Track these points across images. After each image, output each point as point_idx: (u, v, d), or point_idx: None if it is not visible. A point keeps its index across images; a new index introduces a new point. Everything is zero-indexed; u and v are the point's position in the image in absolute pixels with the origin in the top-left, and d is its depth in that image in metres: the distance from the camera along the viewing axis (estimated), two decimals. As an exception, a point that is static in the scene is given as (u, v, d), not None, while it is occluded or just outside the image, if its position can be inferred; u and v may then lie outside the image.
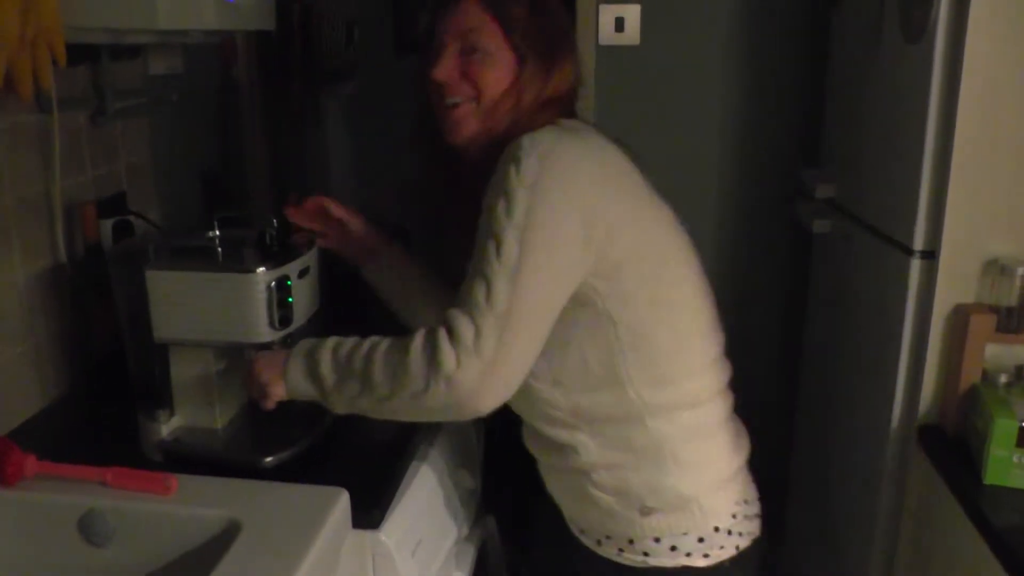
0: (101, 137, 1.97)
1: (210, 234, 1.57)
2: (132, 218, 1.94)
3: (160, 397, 1.59)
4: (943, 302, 1.81)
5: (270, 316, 1.46)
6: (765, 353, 2.98)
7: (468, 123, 1.47)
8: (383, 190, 2.74)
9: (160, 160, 2.21)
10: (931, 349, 1.83)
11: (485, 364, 1.26)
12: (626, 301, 1.38)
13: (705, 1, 2.75)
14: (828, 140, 2.60)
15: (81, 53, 1.81)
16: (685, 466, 1.44)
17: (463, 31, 1.44)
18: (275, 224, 1.56)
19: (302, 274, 1.53)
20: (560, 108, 1.48)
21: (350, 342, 1.39)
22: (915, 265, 1.85)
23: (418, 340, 1.30)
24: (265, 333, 1.47)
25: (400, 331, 1.38)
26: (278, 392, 1.43)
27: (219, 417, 1.62)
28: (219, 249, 1.50)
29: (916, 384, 1.87)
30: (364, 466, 1.57)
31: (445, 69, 1.45)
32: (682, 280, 1.45)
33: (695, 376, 1.46)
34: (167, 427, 1.59)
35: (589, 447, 1.45)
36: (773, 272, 2.92)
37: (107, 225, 1.87)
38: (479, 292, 1.27)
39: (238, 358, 1.63)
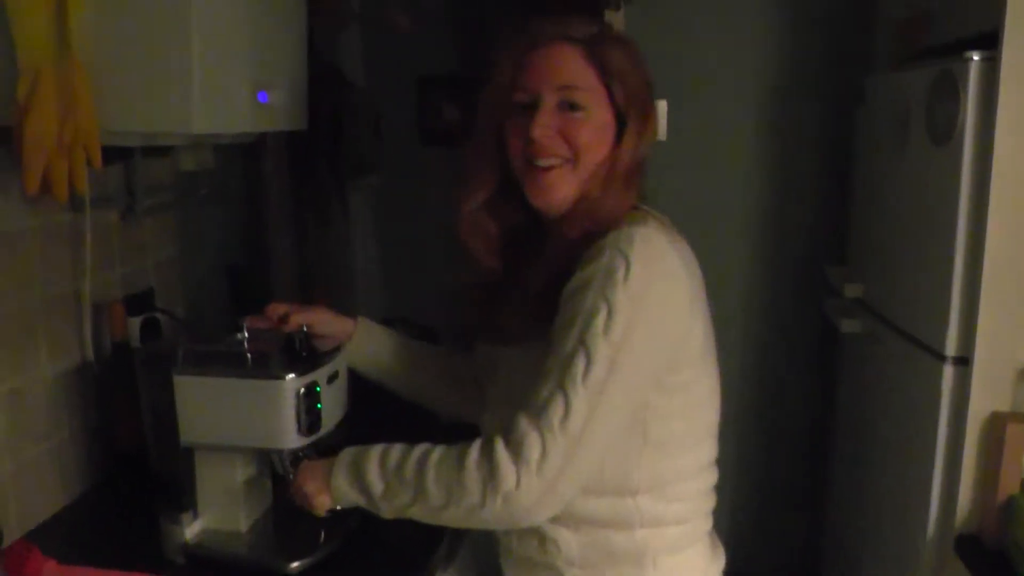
0: (130, 234, 1.97)
1: (238, 336, 1.56)
2: (159, 315, 1.94)
3: (184, 500, 1.57)
4: (978, 410, 1.78)
5: (298, 422, 1.45)
6: (792, 454, 2.93)
7: (560, 187, 1.36)
8: (410, 284, 2.75)
9: (187, 255, 2.21)
10: (967, 457, 1.79)
11: (546, 484, 1.21)
12: (668, 415, 1.34)
13: (731, 98, 2.76)
14: (855, 238, 2.60)
15: (114, 153, 1.82)
16: (662, 574, 1.39)
17: (563, 86, 1.33)
18: (304, 329, 1.55)
19: (331, 379, 1.52)
20: (641, 177, 1.41)
21: (398, 450, 1.34)
22: (948, 372, 1.83)
23: (474, 454, 1.26)
24: (293, 439, 1.45)
25: (428, 425, 1.34)
26: (324, 502, 1.41)
27: (244, 520, 1.60)
28: (248, 355, 1.49)
29: (952, 493, 1.84)
30: (390, 571, 1.55)
31: (543, 127, 1.33)
32: (710, 387, 1.41)
33: (692, 479, 1.41)
34: (190, 530, 1.57)
35: (571, 544, 1.38)
36: (801, 370, 2.89)
37: (135, 323, 1.87)
38: (555, 410, 1.21)
39: (265, 462, 1.62)
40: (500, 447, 1.23)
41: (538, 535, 1.40)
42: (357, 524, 1.60)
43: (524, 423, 1.23)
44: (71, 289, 1.79)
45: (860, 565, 2.40)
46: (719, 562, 1.49)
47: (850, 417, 2.58)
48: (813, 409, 2.90)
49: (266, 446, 1.48)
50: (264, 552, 1.55)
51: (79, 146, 1.46)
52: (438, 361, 1.73)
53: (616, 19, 2.22)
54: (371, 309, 1.72)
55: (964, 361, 1.80)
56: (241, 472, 1.57)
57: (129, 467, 1.80)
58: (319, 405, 1.47)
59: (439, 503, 1.28)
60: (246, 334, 1.55)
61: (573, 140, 1.34)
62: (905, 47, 2.31)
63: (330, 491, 1.39)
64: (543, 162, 1.35)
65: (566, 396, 1.21)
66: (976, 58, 1.76)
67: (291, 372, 1.44)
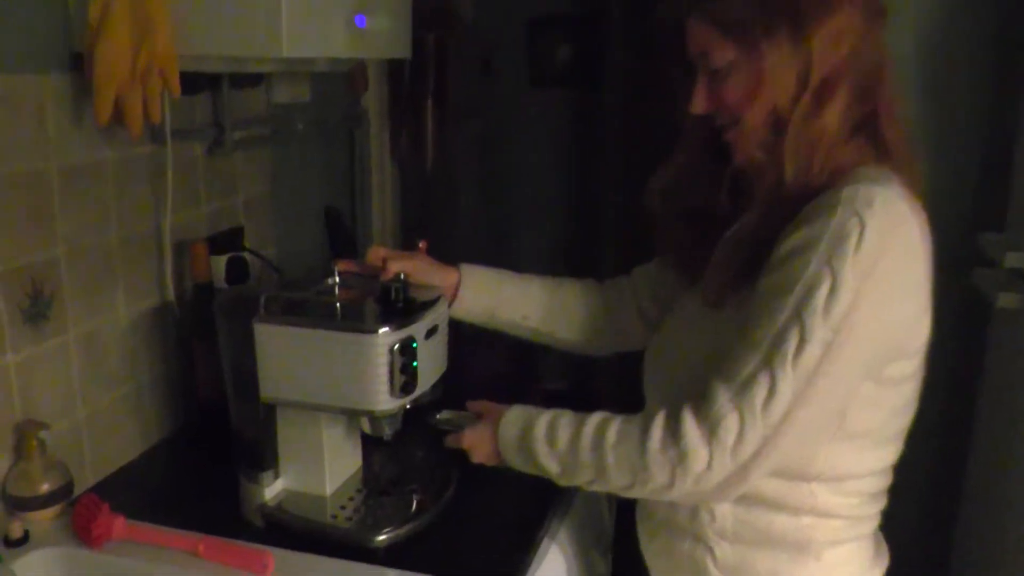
0: (218, 169, 1.85)
1: (329, 281, 1.41)
2: (246, 255, 1.80)
3: (264, 458, 1.43)
4: None
5: (391, 382, 1.28)
6: (925, 446, 2.67)
7: (742, 147, 1.18)
8: (515, 236, 2.59)
9: (280, 194, 2.08)
10: None
11: (738, 467, 1.10)
12: (873, 408, 1.18)
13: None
14: (1017, 202, 2.32)
15: (200, 82, 1.70)
16: (824, 568, 1.25)
17: (696, 56, 1.19)
18: (402, 277, 1.39)
19: (429, 334, 1.35)
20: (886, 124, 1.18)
21: (566, 428, 1.22)
22: None
23: (657, 432, 1.13)
24: (384, 401, 1.29)
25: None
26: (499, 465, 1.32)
27: (329, 483, 1.46)
28: (337, 305, 1.33)
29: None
30: (489, 547, 1.40)
31: (699, 103, 1.20)
32: (918, 386, 1.24)
33: (873, 477, 1.25)
34: (270, 491, 1.44)
35: (727, 517, 1.25)
36: (944, 350, 2.63)
37: (219, 262, 1.73)
38: (759, 390, 1.08)
39: (354, 422, 1.48)
40: (691, 424, 1.11)
41: None
42: (453, 494, 1.48)
43: (723, 399, 1.10)
44: (151, 227, 1.67)
45: (996, 566, 2.17)
46: (883, 563, 1.33)
47: (999, 405, 2.33)
48: (950, 390, 2.64)
49: (354, 407, 1.32)
50: (349, 520, 1.41)
51: (155, 73, 1.36)
52: (561, 297, 1.57)
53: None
54: (473, 261, 1.54)
55: None
56: (327, 431, 1.43)
57: (210, 417, 1.67)
58: (415, 363, 1.30)
59: (622, 484, 1.18)
60: (337, 280, 1.40)
61: (726, 103, 1.18)
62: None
63: (506, 464, 1.30)
64: (717, 124, 1.22)
65: (772, 376, 1.07)
66: None
67: (385, 325, 1.26)
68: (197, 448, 1.73)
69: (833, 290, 1.05)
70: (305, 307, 1.34)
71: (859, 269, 1.05)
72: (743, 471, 1.10)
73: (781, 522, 1.23)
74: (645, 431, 1.14)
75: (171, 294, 1.70)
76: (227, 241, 1.79)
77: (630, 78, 2.38)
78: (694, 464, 1.10)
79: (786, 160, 1.13)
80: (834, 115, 1.13)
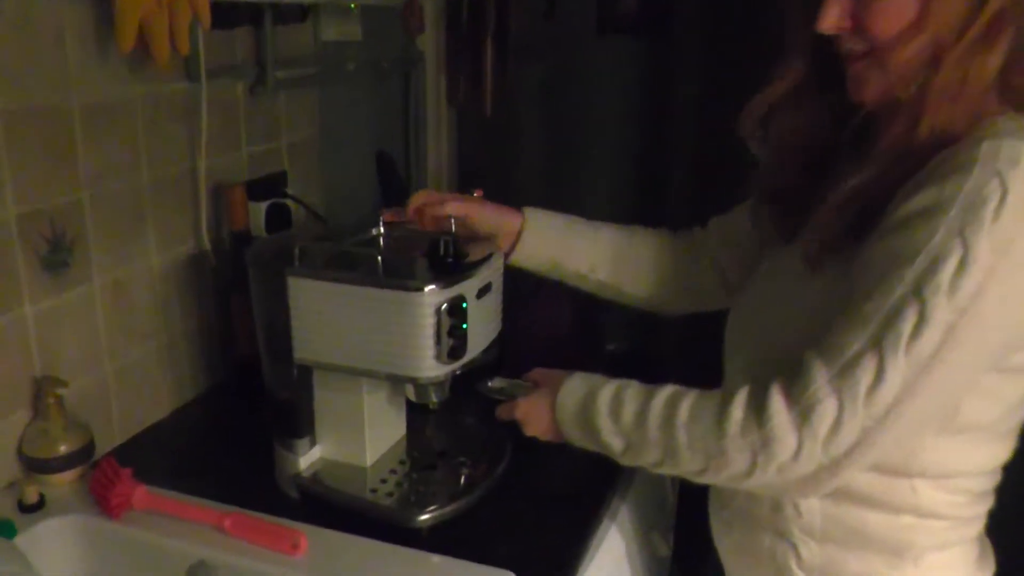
0: (261, 110, 1.72)
1: (374, 231, 1.28)
2: (288, 202, 1.68)
3: (299, 424, 1.31)
4: None
5: (438, 346, 1.14)
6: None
7: (868, 84, 1.02)
8: (575, 186, 2.44)
9: (328, 137, 1.94)
10: None
11: (831, 461, 0.95)
12: (992, 400, 1.02)
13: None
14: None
15: (239, 14, 1.57)
16: (924, 574, 1.10)
17: None
18: (452, 227, 1.26)
19: (482, 292, 1.21)
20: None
21: (632, 399, 1.08)
22: None
23: (737, 413, 0.99)
24: (430, 366, 1.15)
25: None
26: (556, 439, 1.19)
27: (369, 453, 1.33)
28: (379, 258, 1.19)
29: None
30: (543, 529, 1.26)
31: (830, 18, 0.99)
32: None
33: (983, 475, 1.09)
34: (306, 460, 1.32)
35: (815, 513, 1.10)
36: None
37: (259, 209, 1.62)
38: (863, 374, 0.92)
39: (398, 387, 1.36)
40: (779, 404, 0.96)
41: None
42: (504, 469, 1.35)
43: (820, 380, 0.94)
44: (186, 169, 1.54)
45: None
46: (988, 569, 1.17)
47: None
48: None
49: (396, 373, 1.18)
50: (391, 496, 1.28)
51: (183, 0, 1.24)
52: (633, 247, 1.42)
53: None
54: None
55: None
56: (368, 397, 1.30)
57: (248, 375, 1.54)
58: (464, 325, 1.16)
59: (694, 468, 1.04)
60: (382, 230, 1.27)
61: (866, 26, 0.98)
62: None
63: (562, 438, 1.18)
64: (844, 48, 1.03)
65: (881, 360, 0.91)
66: None
67: (432, 283, 1.12)
68: (232, 408, 1.61)
69: (963, 265, 0.88)
70: (344, 260, 1.21)
71: (996, 242, 0.88)
72: (835, 466, 0.95)
73: (876, 521, 1.07)
74: (724, 409, 0.99)
75: (207, 242, 1.58)
76: (268, 187, 1.67)
77: (702, 26, 2.22)
78: (779, 452, 0.95)
79: (929, 105, 0.95)
80: (998, 55, 0.94)
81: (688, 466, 1.04)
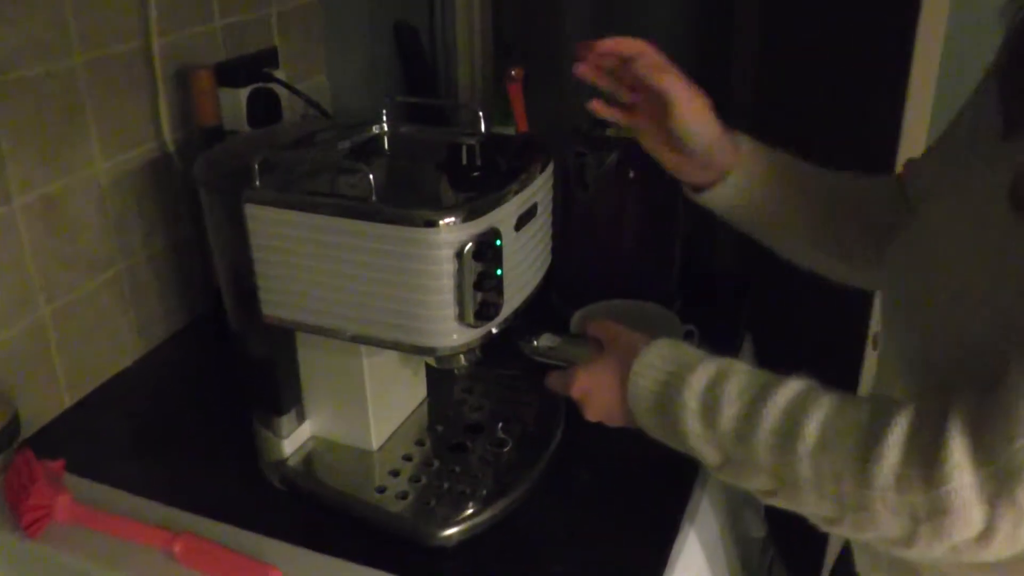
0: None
1: (375, 129, 0.93)
2: (276, 88, 1.34)
3: (281, 395, 0.98)
4: None
5: (460, 304, 0.79)
6: None
7: None
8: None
9: (333, 5, 1.60)
10: None
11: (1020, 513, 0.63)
12: None
13: None
14: None
15: None
16: None
17: None
18: (482, 120, 0.90)
19: (523, 220, 0.84)
20: None
21: (735, 395, 0.76)
22: None
23: (891, 453, 0.66)
24: (449, 333, 0.81)
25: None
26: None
27: (375, 433, 1.01)
28: (371, 176, 0.79)
29: None
30: (612, 535, 0.94)
31: None
32: None
33: None
34: (292, 442, 1.00)
35: None
36: None
37: (238, 97, 1.28)
38: None
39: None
40: (961, 457, 0.63)
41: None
42: (561, 439, 1.03)
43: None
44: (137, 48, 1.20)
45: None
46: None
47: None
48: None
49: (402, 341, 0.83)
50: (402, 499, 0.95)
51: None
52: (852, 204, 1.01)
53: None
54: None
55: None
56: (369, 359, 0.96)
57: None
58: (499, 271, 0.81)
59: (823, 514, 0.73)
60: (385, 128, 0.91)
61: None
62: None
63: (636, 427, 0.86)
64: None
65: None
66: None
67: (449, 215, 0.76)
68: (212, 351, 1.31)
69: None
70: (326, 178, 0.85)
71: None
72: None
73: None
74: (873, 443, 0.67)
75: (169, 143, 1.26)
76: (250, 69, 1.33)
77: None
78: (956, 530, 0.65)
79: None
80: None
81: (815, 509, 0.73)
